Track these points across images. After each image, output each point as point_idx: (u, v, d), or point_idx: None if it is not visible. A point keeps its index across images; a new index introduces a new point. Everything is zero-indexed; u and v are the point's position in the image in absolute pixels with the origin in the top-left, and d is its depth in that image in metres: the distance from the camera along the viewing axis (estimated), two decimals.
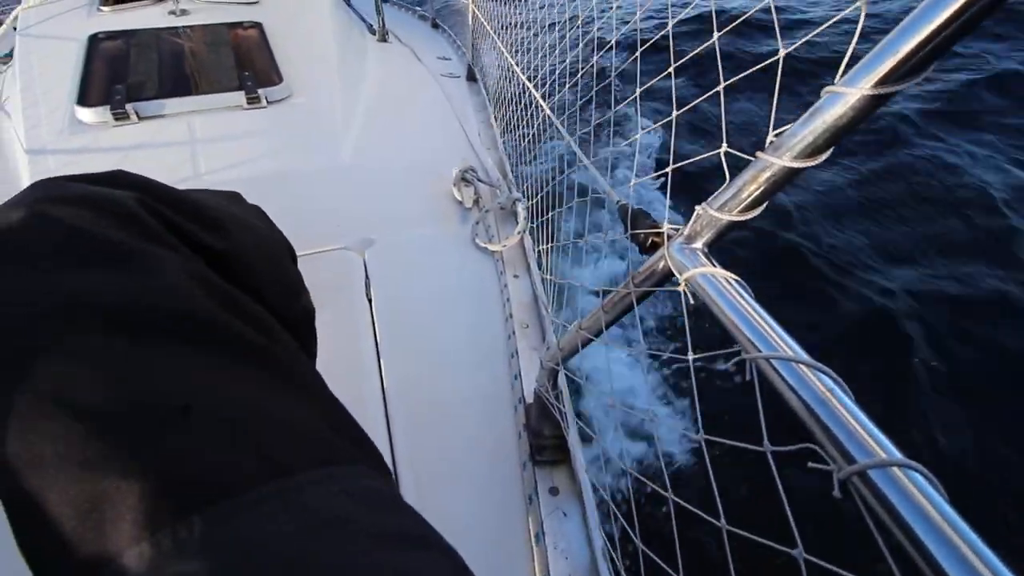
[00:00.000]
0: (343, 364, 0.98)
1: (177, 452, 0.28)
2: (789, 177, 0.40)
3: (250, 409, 0.32)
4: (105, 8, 1.91)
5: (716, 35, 0.51)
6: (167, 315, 0.33)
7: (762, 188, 0.41)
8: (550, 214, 1.24)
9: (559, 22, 1.35)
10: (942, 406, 1.87)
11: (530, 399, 0.92)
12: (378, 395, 0.94)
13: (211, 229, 0.44)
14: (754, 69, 0.48)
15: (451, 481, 0.85)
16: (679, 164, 0.53)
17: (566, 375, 0.80)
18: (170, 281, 0.35)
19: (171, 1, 1.96)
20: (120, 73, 1.61)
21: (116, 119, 1.47)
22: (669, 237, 0.51)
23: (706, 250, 0.48)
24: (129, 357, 0.30)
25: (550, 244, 1.23)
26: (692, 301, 0.47)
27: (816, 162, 0.39)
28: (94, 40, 1.72)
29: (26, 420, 0.28)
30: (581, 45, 1.04)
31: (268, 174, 1.41)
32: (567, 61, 1.13)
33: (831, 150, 0.38)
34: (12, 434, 0.28)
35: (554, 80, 1.27)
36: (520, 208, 1.36)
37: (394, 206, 1.39)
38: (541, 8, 1.56)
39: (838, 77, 0.36)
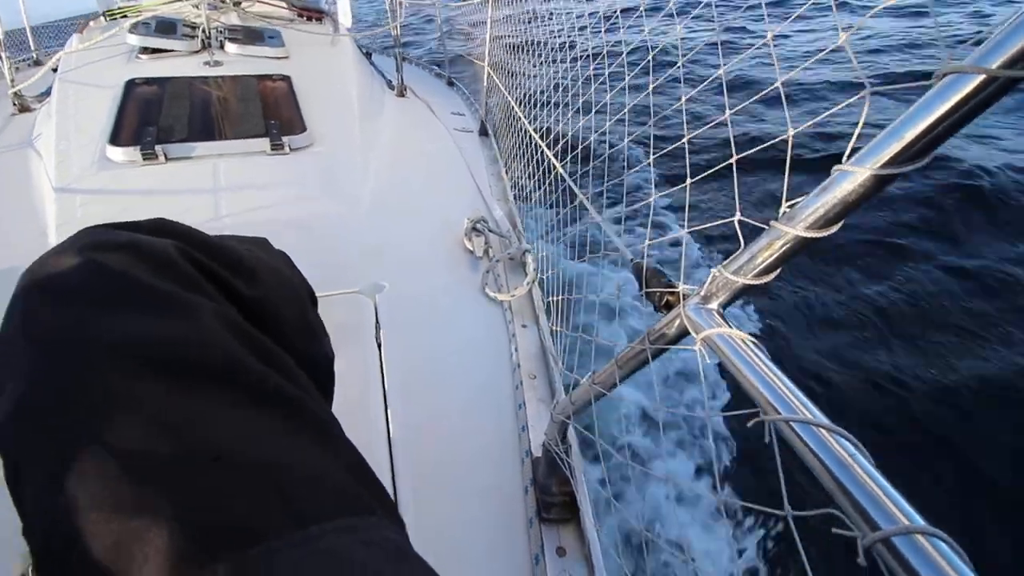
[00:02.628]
0: (350, 407, 0.98)
1: (206, 498, 0.29)
2: (803, 246, 0.42)
3: (277, 457, 0.33)
4: (143, 56, 2.03)
5: (728, 112, 0.55)
6: (201, 362, 0.34)
7: (776, 255, 0.43)
8: (561, 266, 1.26)
9: (572, 81, 1.43)
10: (959, 473, 1.84)
11: (537, 452, 0.91)
12: (384, 440, 0.94)
13: (244, 277, 0.46)
14: (762, 147, 0.51)
15: (454, 535, 0.83)
16: (693, 228, 0.56)
17: (576, 429, 0.80)
18: (205, 328, 0.36)
19: (206, 52, 2.08)
20: (152, 116, 1.69)
21: (145, 159, 1.52)
22: (685, 297, 0.53)
23: (721, 311, 0.49)
24: (164, 402, 0.31)
25: (561, 296, 1.25)
26: (707, 360, 0.49)
27: (828, 233, 0.41)
28: (130, 85, 1.82)
29: (65, 460, 0.28)
30: (595, 109, 1.10)
31: (287, 217, 1.45)
32: (580, 123, 1.19)
33: (842, 223, 0.41)
34: (51, 474, 0.28)
35: (567, 139, 1.33)
36: (530, 259, 1.39)
37: (406, 253, 1.43)
38: (556, 74, 1.65)
39: (845, 157, 0.39)
